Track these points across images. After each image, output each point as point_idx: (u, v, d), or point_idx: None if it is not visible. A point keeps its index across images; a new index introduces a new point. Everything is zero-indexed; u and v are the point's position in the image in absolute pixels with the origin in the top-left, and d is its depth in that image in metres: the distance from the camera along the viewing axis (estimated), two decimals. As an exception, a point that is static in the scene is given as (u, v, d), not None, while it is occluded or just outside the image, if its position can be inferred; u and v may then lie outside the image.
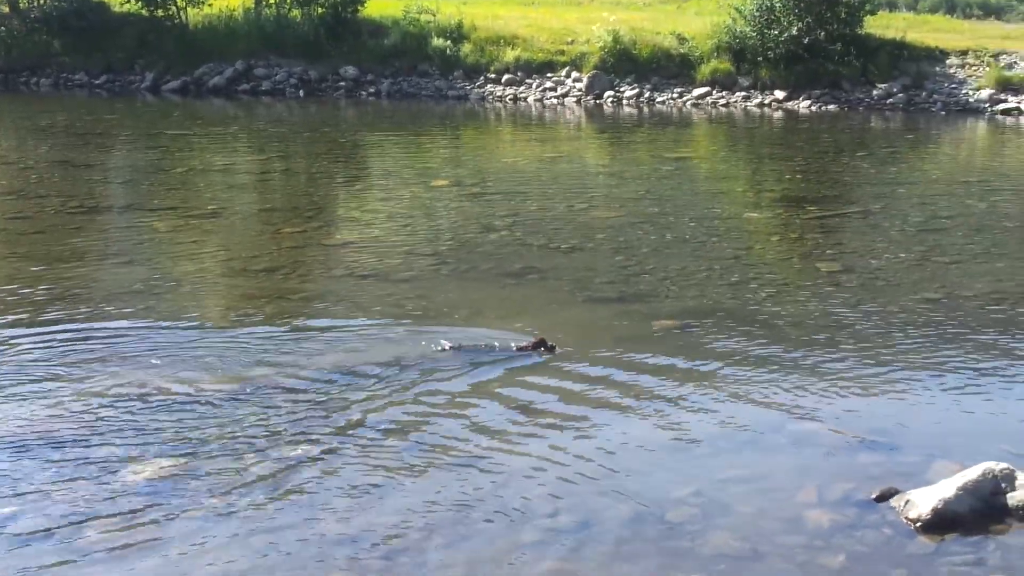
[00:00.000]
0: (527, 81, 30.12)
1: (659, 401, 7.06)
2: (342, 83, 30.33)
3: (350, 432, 6.43)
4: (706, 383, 7.42)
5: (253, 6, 32.47)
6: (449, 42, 30.64)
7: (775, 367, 7.74)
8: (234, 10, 32.40)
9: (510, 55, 30.50)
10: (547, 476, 5.91)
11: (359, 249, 11.72)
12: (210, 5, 32.30)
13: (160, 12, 31.89)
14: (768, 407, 6.96)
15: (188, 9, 31.95)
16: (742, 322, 8.85)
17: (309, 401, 6.94)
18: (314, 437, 6.34)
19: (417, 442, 6.31)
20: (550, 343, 7.98)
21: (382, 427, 6.52)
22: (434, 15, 31.53)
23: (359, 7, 31.67)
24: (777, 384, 7.37)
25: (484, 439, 6.38)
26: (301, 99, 29.28)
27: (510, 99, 29.37)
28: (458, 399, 7.03)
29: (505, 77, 30.12)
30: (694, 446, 6.35)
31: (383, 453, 6.15)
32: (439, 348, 7.90)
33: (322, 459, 6.04)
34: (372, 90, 30.12)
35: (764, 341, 8.34)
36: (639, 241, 12.15)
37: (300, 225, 13.03)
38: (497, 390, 7.22)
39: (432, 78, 30.50)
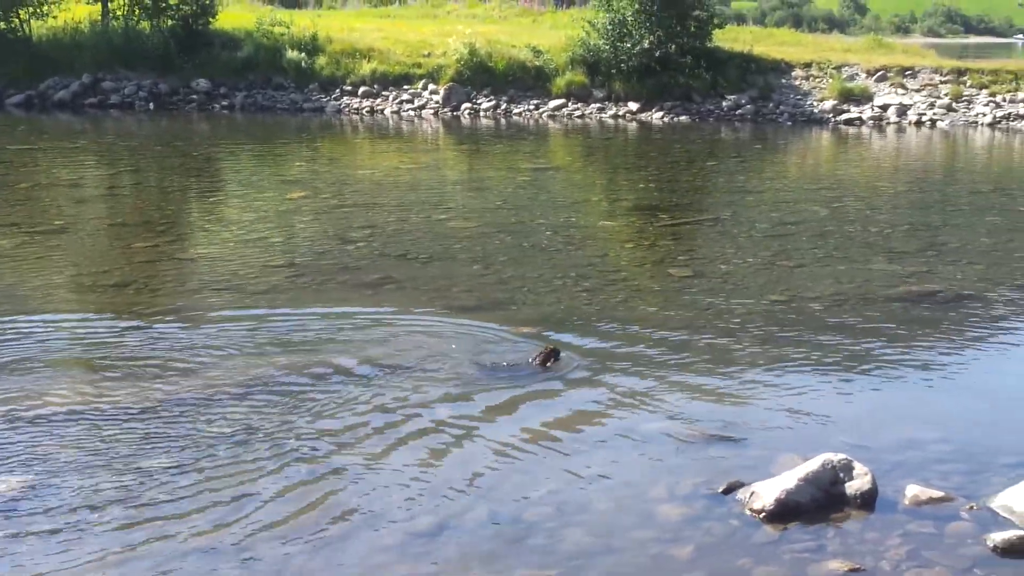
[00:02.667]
0: (384, 93, 30.06)
1: (516, 405, 7.16)
2: (194, 96, 29.74)
3: (211, 444, 6.35)
4: (562, 386, 7.56)
5: (100, 18, 31.62)
6: (304, 55, 30.36)
7: (629, 369, 7.93)
8: (80, 22, 31.48)
9: (366, 68, 30.40)
10: (404, 482, 5.94)
11: (213, 262, 11.55)
12: (55, 17, 31.29)
13: (2, 25, 30.77)
14: (622, 407, 7.13)
15: (32, 22, 30.90)
16: (597, 327, 9.04)
17: (163, 416, 6.82)
18: (169, 450, 6.24)
19: (276, 452, 6.26)
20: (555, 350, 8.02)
21: (238, 437, 6.45)
22: (288, 27, 31.21)
23: (211, 19, 31.13)
24: (631, 385, 7.56)
25: (342, 448, 6.38)
26: (152, 112, 28.62)
27: (367, 111, 29.27)
28: (318, 409, 7.00)
29: (362, 90, 30.01)
30: (550, 447, 6.46)
31: (241, 464, 6.08)
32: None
33: (180, 473, 5.95)
34: (225, 103, 29.63)
35: (618, 344, 8.53)
36: (497, 250, 12.27)
37: (152, 239, 12.75)
38: (358, 399, 7.21)
39: (287, 91, 30.18)
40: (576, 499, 5.80)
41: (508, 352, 8.26)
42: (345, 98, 29.94)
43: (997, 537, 5.32)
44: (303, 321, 9.13)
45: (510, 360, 8.04)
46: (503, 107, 29.49)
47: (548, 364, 7.89)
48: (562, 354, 8.02)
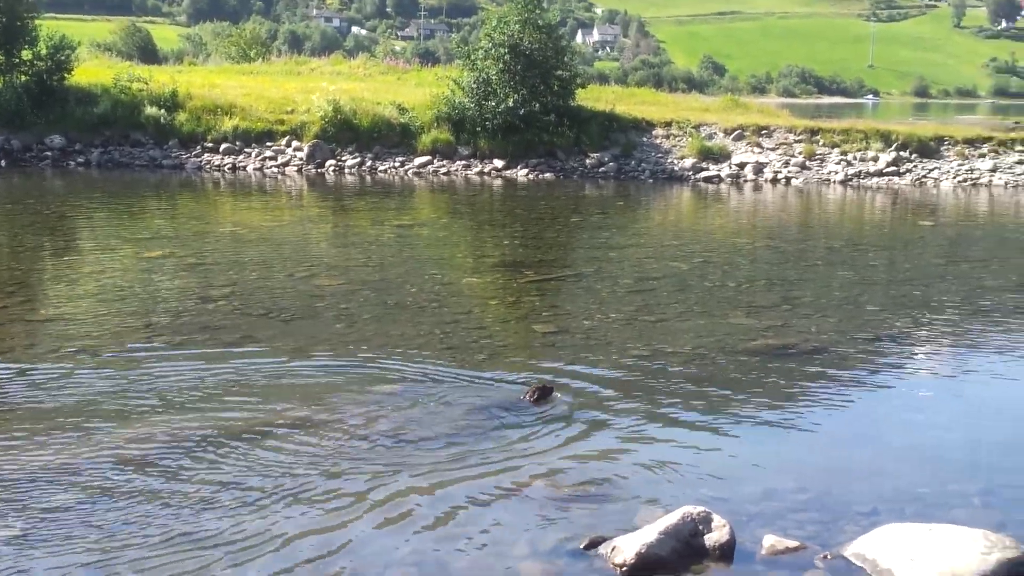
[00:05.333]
0: (246, 150, 29.77)
1: (377, 466, 7.05)
2: (48, 153, 28.96)
3: (55, 510, 6.09)
4: (423, 445, 7.48)
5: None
6: (163, 111, 29.88)
7: (491, 427, 7.90)
8: (-72, 76, 30.41)
9: (228, 124, 30.07)
10: (263, 552, 5.77)
11: (67, 324, 11.16)
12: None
13: None
14: (484, 466, 7.08)
15: None
16: (460, 385, 8.99)
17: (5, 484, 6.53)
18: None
19: (124, 513, 6.03)
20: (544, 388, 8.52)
21: (86, 505, 6.21)
22: (147, 83, 30.69)
23: (66, 75, 30.38)
24: (492, 443, 7.53)
25: (205, 511, 6.19)
26: (3, 169, 27.71)
27: (229, 168, 28.90)
28: (172, 471, 6.79)
29: (223, 146, 29.65)
30: (412, 510, 6.36)
31: (86, 527, 5.85)
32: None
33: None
34: (81, 159, 28.92)
35: (480, 402, 8.49)
36: (360, 308, 12.16)
37: (1, 300, 12.26)
38: (215, 462, 7.01)
39: (146, 147, 29.61)
40: (437, 559, 5.73)
41: (375, 408, 8.16)
42: (206, 155, 29.55)
43: (851, 585, 5.42)
44: (155, 384, 8.87)
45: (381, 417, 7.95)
46: (368, 164, 29.47)
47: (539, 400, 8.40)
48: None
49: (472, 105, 29.88)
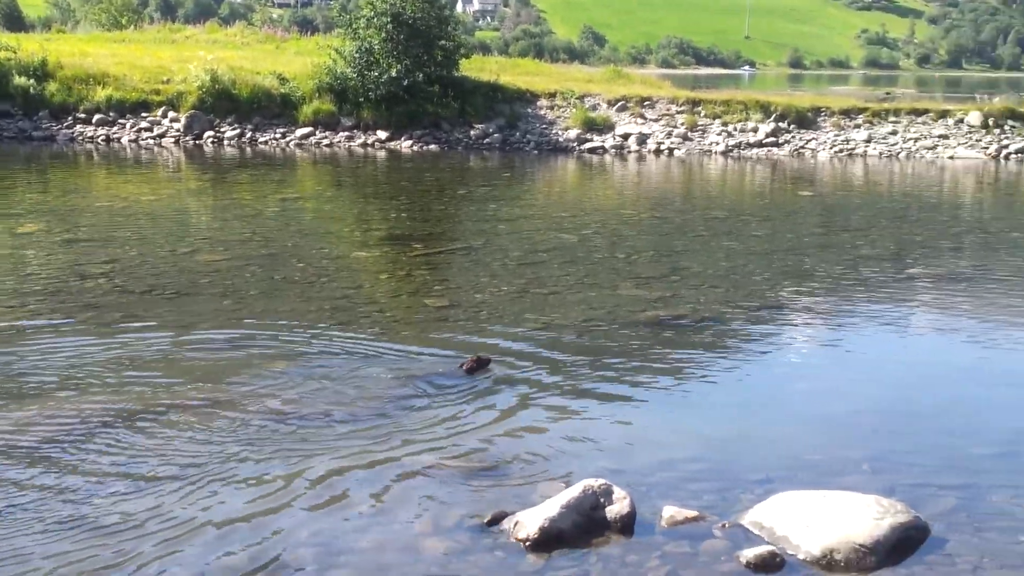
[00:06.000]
0: (120, 121, 28.91)
1: (274, 445, 6.91)
2: (-89, 124, 27.74)
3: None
4: (319, 422, 7.37)
5: None
6: (32, 81, 28.81)
7: (386, 403, 7.82)
8: None
9: (101, 94, 29.15)
10: (158, 527, 5.63)
11: (-65, 303, 10.70)
12: None
13: None
14: (384, 443, 7.00)
15: None
16: (352, 359, 8.88)
17: None
18: None
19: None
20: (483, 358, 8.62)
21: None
22: (15, 52, 29.53)
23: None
24: (387, 418, 7.45)
25: (93, 496, 5.99)
26: None
27: (102, 140, 28.06)
28: (57, 458, 6.56)
29: (96, 117, 28.75)
30: (312, 488, 6.26)
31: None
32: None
33: None
34: (-56, 132, 27.79)
35: (374, 377, 8.39)
36: (247, 284, 11.93)
37: None
38: (106, 449, 6.80)
39: (14, 119, 28.53)
40: (340, 538, 5.64)
41: (271, 386, 8.00)
42: (79, 126, 28.63)
43: (749, 553, 5.50)
44: (36, 365, 8.56)
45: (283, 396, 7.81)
46: (248, 135, 28.90)
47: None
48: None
49: (355, 75, 29.49)
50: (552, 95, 31.84)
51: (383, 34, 29.52)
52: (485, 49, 50.08)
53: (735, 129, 30.81)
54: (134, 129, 28.68)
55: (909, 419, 7.87)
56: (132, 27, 45.79)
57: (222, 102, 29.35)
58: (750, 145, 30.00)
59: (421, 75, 29.65)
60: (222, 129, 28.98)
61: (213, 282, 11.92)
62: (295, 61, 32.68)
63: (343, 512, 5.96)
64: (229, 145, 28.25)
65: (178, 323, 10.01)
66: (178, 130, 28.71)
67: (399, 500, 6.13)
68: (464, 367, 8.53)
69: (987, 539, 5.77)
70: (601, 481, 5.97)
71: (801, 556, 5.52)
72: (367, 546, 5.58)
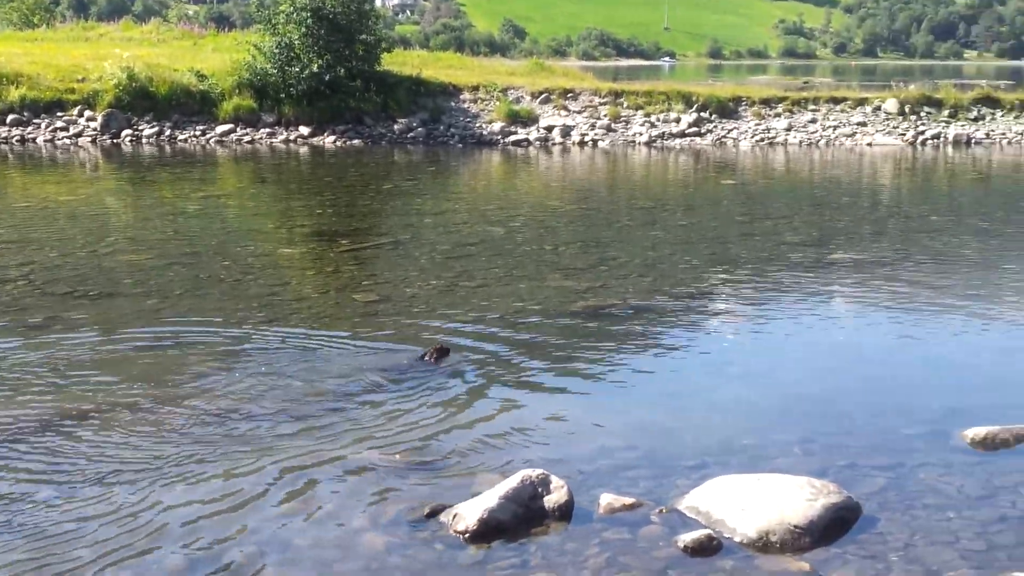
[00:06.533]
0: (35, 121, 28.35)
1: (211, 446, 6.80)
2: None
3: None
4: (254, 421, 7.27)
5: None
6: (-58, 80, 28.14)
7: (322, 399, 7.74)
8: None
9: (14, 94, 28.57)
10: (93, 532, 5.51)
11: None
12: None
13: None
14: (320, 439, 6.93)
15: None
16: (285, 359, 8.78)
17: None
18: None
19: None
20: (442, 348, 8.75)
21: None
22: (-75, 51, 28.82)
23: None
24: (323, 416, 7.38)
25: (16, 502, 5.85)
26: None
27: (17, 140, 27.48)
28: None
29: (10, 117, 28.18)
30: (248, 488, 6.16)
31: None
32: None
33: None
34: None
35: (304, 376, 8.31)
36: (171, 283, 11.75)
37: None
38: (40, 454, 6.64)
39: (-75, 119, 27.84)
40: (277, 536, 5.57)
41: (204, 385, 7.88)
42: (-8, 126, 27.96)
43: (687, 538, 5.54)
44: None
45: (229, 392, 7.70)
46: (167, 133, 28.51)
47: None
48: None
49: (275, 71, 29.21)
50: (475, 88, 31.81)
51: (303, 29, 29.27)
52: (406, 43, 49.82)
53: (658, 120, 31.06)
54: (49, 129, 28.12)
55: (838, 401, 7.99)
56: (44, 26, 44.81)
57: (139, 100, 28.88)
58: (673, 135, 30.25)
59: (343, 70, 29.45)
60: (140, 127, 28.52)
61: (137, 282, 11.72)
62: (213, 58, 32.26)
63: (279, 511, 5.88)
64: (148, 143, 27.81)
65: (104, 324, 9.83)
66: (95, 129, 28.20)
67: (336, 497, 6.07)
68: (427, 357, 8.65)
69: (917, 517, 5.87)
70: (539, 471, 5.98)
71: (737, 539, 5.58)
72: (304, 544, 5.52)
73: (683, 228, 16.28)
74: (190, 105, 29.35)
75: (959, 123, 31.83)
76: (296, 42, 29.24)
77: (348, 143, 28.60)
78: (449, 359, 8.64)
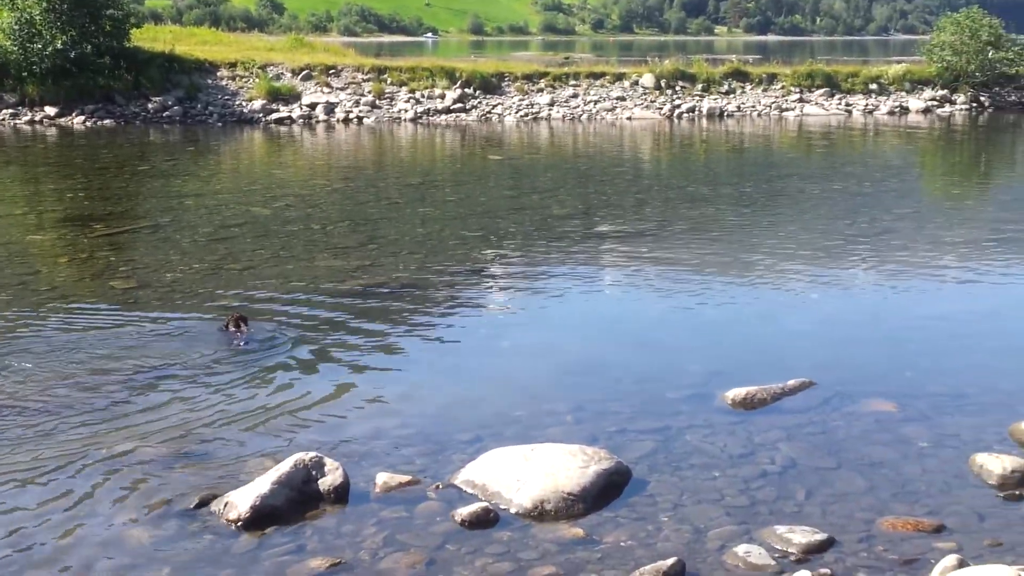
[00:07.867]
0: None
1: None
2: None
3: None
4: (13, 415, 6.83)
5: None
6: None
7: (71, 392, 7.35)
8: None
9: None
10: None
11: None
12: None
13: None
14: (76, 430, 6.57)
15: None
16: (39, 350, 8.30)
17: None
18: None
19: None
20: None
21: None
22: None
23: None
24: (84, 405, 7.01)
25: None
26: None
27: None
28: None
29: None
30: (4, 486, 5.81)
31: None
32: None
33: None
34: None
35: (58, 368, 7.87)
36: (-93, 275, 10.91)
37: None
38: None
39: None
40: (34, 538, 5.26)
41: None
42: None
43: (463, 511, 5.55)
44: None
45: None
46: (-102, 115, 26.47)
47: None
48: None
49: (16, 48, 27.59)
50: (233, 65, 30.95)
51: (44, 4, 27.73)
52: (157, 18, 48.00)
53: (423, 96, 31.05)
54: None
55: (606, 369, 8.17)
56: None
57: None
58: (438, 111, 30.32)
59: (89, 47, 28.04)
60: None
61: None
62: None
63: (38, 510, 5.55)
64: None
65: None
66: None
67: (100, 491, 5.77)
68: (229, 327, 8.67)
69: (685, 477, 6.07)
70: (312, 454, 5.86)
71: (513, 510, 5.62)
72: (65, 544, 5.22)
73: (452, 204, 16.33)
74: (-80, 85, 27.38)
75: (712, 97, 33.18)
76: (37, 18, 27.71)
77: (99, 123, 27.33)
78: (249, 326, 8.68)
